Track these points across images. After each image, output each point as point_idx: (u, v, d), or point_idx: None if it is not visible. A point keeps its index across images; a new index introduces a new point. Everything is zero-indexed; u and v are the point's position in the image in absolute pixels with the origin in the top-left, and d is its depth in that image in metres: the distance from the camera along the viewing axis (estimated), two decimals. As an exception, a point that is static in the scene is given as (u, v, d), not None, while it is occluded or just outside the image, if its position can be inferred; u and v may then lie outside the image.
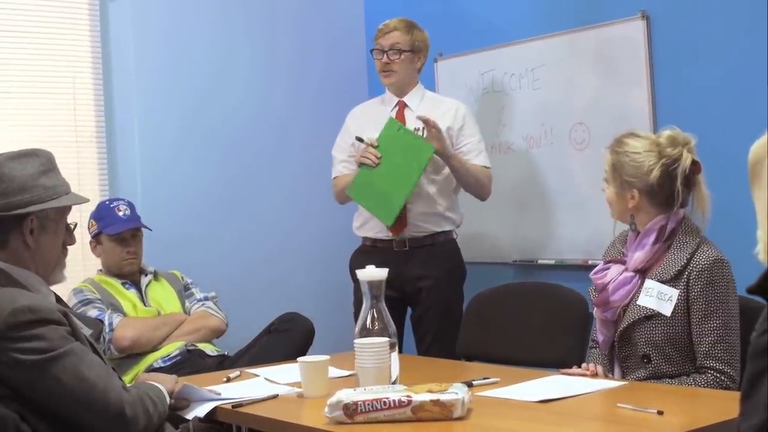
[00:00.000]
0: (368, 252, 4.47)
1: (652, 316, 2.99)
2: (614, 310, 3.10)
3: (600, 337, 3.20)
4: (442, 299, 4.45)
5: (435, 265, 4.44)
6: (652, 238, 3.07)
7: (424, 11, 5.45)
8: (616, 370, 3.14)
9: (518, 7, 4.97)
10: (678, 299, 2.97)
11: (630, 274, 3.10)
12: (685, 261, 3.00)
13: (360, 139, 4.32)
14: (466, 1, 5.25)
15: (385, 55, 4.46)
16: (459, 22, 5.28)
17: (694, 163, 3.07)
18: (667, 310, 2.97)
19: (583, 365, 3.11)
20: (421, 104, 4.52)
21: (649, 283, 3.04)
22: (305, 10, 5.61)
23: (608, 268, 3.16)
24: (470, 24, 5.22)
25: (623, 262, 3.16)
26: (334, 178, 4.60)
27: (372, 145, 4.29)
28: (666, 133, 3.13)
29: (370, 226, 4.48)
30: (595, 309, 3.19)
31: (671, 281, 3.00)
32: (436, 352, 4.27)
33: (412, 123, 4.40)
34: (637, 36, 4.37)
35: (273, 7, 5.49)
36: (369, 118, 4.54)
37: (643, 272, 3.10)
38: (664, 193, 3.07)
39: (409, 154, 4.25)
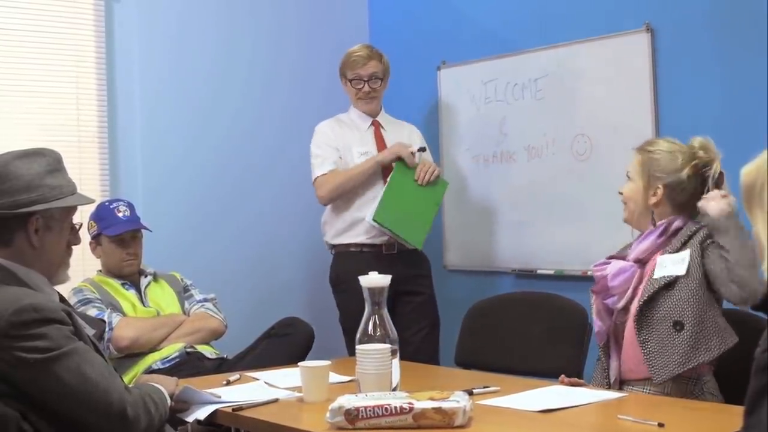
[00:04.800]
0: (355, 257, 4.67)
1: (672, 284, 3.03)
2: (616, 298, 3.15)
3: (596, 328, 3.24)
4: (432, 296, 4.82)
5: (421, 267, 4.78)
6: (658, 231, 3.17)
7: (428, 19, 5.48)
8: (613, 365, 3.17)
9: (523, 17, 4.97)
10: (691, 258, 3.03)
11: (629, 263, 3.18)
12: (690, 233, 3.10)
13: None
14: (470, 10, 5.25)
15: (365, 84, 4.73)
16: (463, 31, 5.28)
17: (720, 173, 3.16)
18: (681, 270, 3.02)
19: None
20: (388, 125, 4.86)
21: (661, 259, 3.10)
22: (310, 16, 5.61)
23: (609, 262, 3.25)
24: (474, 33, 5.22)
25: (624, 258, 3.23)
26: (324, 174, 4.69)
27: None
28: (699, 139, 3.22)
29: (355, 233, 4.67)
30: (594, 298, 3.23)
31: (680, 248, 3.08)
32: (426, 349, 4.60)
33: (389, 141, 4.75)
34: (642, 48, 4.38)
35: (278, 11, 5.50)
36: (350, 133, 4.79)
37: (642, 263, 3.17)
38: (687, 193, 3.18)
39: (423, 188, 4.62)
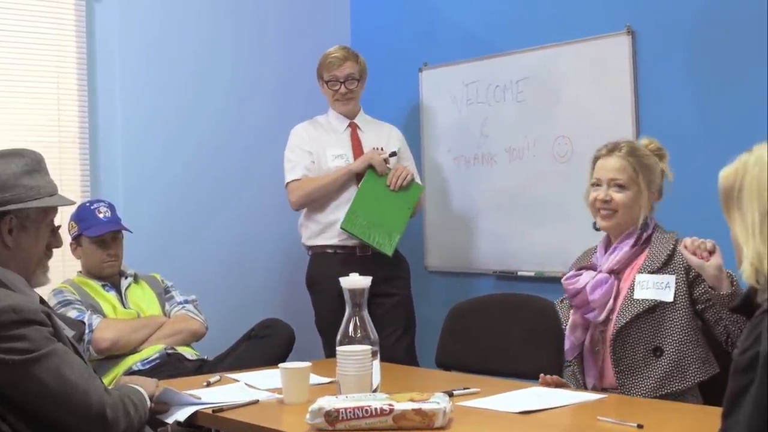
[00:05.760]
0: (330, 259, 4.68)
1: (655, 308, 3.01)
2: (597, 311, 3.11)
3: (567, 344, 3.21)
4: (408, 298, 4.80)
5: (397, 268, 4.76)
6: (632, 241, 3.14)
7: (409, 20, 5.48)
8: (589, 377, 3.16)
9: (504, 19, 4.98)
10: (677, 285, 3.00)
11: (605, 275, 3.14)
12: (671, 248, 3.05)
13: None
14: (452, 12, 5.26)
15: (342, 86, 4.75)
16: (444, 32, 5.29)
17: None
18: (668, 296, 2.99)
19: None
20: (366, 126, 4.86)
21: (641, 277, 3.06)
22: (292, 18, 5.61)
23: (580, 274, 3.20)
24: (456, 34, 5.23)
25: (594, 268, 3.20)
26: (295, 180, 4.71)
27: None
28: (651, 139, 3.27)
29: (329, 235, 4.69)
30: (572, 312, 3.20)
31: (662, 269, 3.04)
32: (401, 350, 4.60)
33: (366, 142, 4.79)
34: (622, 51, 4.39)
35: (260, 13, 5.49)
36: (326, 135, 4.81)
37: (617, 273, 3.14)
38: (660, 193, 3.20)
39: (396, 193, 4.62)
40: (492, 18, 5.05)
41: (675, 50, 4.26)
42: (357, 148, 4.76)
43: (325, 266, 4.66)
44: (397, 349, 4.56)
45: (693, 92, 4.21)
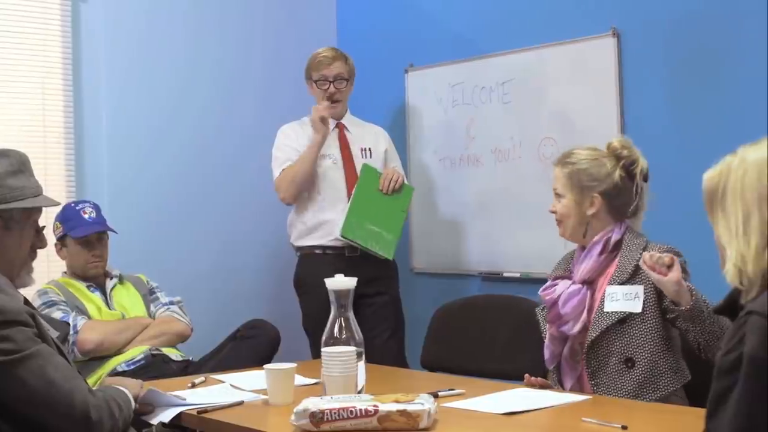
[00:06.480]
0: (318, 259, 4.67)
1: (626, 319, 3.00)
2: (571, 323, 3.10)
3: (546, 354, 3.20)
4: (396, 298, 4.81)
5: (385, 268, 4.74)
6: (598, 248, 3.12)
7: (395, 22, 5.49)
8: (568, 386, 3.15)
9: (490, 21, 4.99)
10: (645, 295, 2.98)
11: (578, 286, 3.13)
12: (638, 257, 3.02)
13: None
14: (438, 13, 5.26)
15: (331, 85, 4.74)
16: (430, 34, 5.29)
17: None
18: (637, 307, 2.98)
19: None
20: (353, 127, 4.85)
21: (611, 289, 3.04)
22: (278, 19, 5.61)
23: (556, 284, 3.19)
24: (442, 35, 5.23)
25: (570, 278, 3.19)
26: (283, 170, 4.69)
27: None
28: (617, 139, 3.23)
29: (318, 235, 4.69)
30: (548, 326, 3.19)
31: (630, 280, 3.03)
32: (391, 350, 4.61)
33: (354, 143, 4.78)
34: (608, 52, 4.40)
35: (246, 14, 5.49)
36: (313, 135, 4.73)
37: (590, 283, 3.13)
38: (622, 198, 3.14)
39: (389, 197, 4.64)
40: (478, 19, 5.05)
41: (660, 52, 4.27)
42: (344, 148, 4.75)
43: (313, 267, 4.64)
44: (387, 349, 4.56)
45: (678, 93, 4.22)
